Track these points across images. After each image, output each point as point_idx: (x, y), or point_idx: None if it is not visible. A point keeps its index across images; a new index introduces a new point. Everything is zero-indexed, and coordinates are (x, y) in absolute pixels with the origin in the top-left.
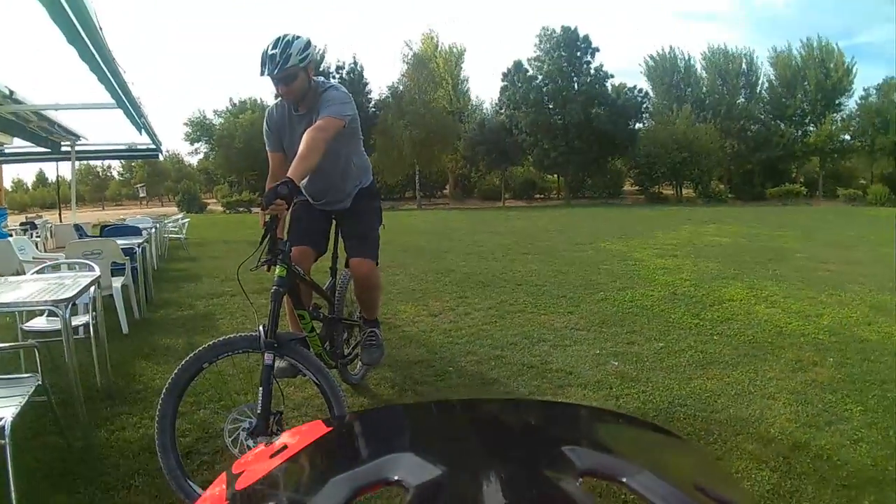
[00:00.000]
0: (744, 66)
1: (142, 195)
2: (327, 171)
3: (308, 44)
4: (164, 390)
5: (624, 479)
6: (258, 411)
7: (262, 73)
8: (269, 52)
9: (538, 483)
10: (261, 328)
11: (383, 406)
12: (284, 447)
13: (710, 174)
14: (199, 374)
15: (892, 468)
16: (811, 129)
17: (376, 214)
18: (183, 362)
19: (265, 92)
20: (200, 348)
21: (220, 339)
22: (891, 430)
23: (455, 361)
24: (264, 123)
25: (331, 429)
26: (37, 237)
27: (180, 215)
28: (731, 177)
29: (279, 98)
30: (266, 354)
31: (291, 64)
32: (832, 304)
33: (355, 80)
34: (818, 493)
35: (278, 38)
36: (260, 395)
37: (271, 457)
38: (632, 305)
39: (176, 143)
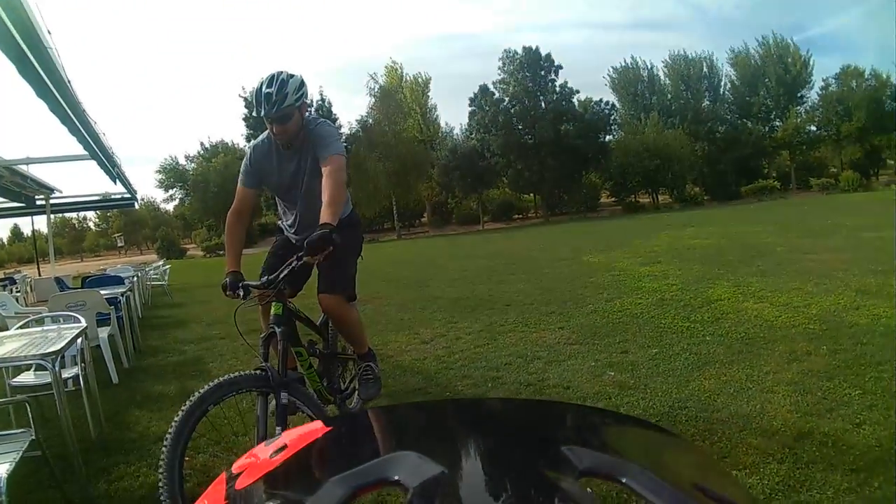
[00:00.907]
0: (705, 69)
1: (120, 244)
2: (315, 206)
3: (302, 83)
4: (168, 437)
5: (624, 480)
6: None
7: (259, 113)
8: (265, 91)
9: (538, 483)
10: (268, 367)
11: (383, 406)
12: (284, 447)
13: (684, 178)
14: (203, 416)
15: None
16: (777, 124)
17: (352, 247)
18: (187, 406)
19: (235, 134)
20: (203, 390)
21: (223, 379)
22: (891, 409)
23: (451, 387)
24: (246, 159)
25: (330, 428)
26: (17, 292)
27: (161, 262)
28: (705, 179)
29: (266, 134)
30: (281, 395)
31: (288, 104)
32: (819, 292)
33: (324, 116)
34: (828, 479)
35: (272, 76)
36: (278, 434)
37: (271, 456)
38: (622, 315)
39: (150, 189)
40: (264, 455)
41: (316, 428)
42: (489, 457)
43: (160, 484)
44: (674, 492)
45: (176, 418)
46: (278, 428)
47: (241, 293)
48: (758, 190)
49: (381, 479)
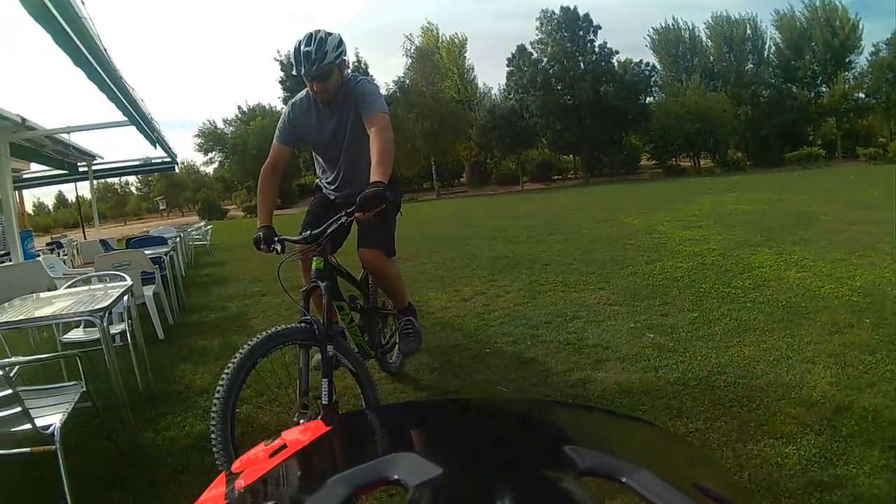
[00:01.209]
0: (748, 31)
1: (162, 207)
2: (356, 163)
3: (341, 41)
4: (220, 389)
5: (624, 479)
6: (324, 402)
7: (299, 72)
8: (304, 50)
9: (538, 483)
10: (312, 321)
11: (383, 405)
12: (284, 446)
13: (727, 143)
14: (253, 367)
15: None
16: (824, 89)
17: (393, 204)
18: (237, 358)
19: (272, 97)
20: (252, 343)
21: (271, 331)
22: None
23: (491, 343)
24: (284, 117)
25: (330, 428)
26: (63, 255)
27: (203, 223)
28: (748, 144)
29: (305, 92)
30: (328, 346)
31: (328, 61)
32: (863, 264)
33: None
34: (865, 454)
35: (310, 35)
36: (324, 386)
37: (270, 456)
38: (662, 278)
39: (189, 153)
40: (264, 455)
41: (316, 428)
42: (489, 457)
43: (212, 434)
44: (674, 492)
45: (227, 370)
46: (324, 380)
47: (279, 248)
48: (802, 157)
49: (381, 478)
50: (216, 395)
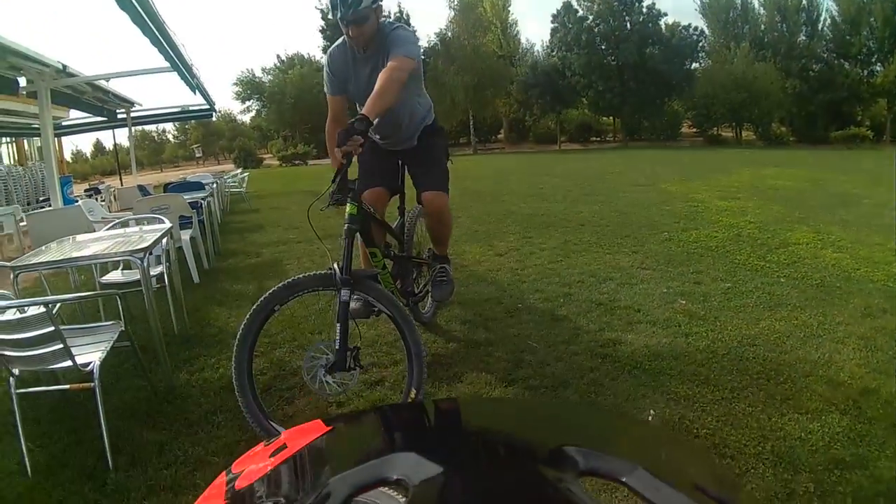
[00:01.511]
0: (804, 1)
1: (198, 155)
2: (396, 112)
3: None
4: (238, 333)
5: (624, 479)
6: (336, 347)
7: (335, 16)
8: None
9: (538, 483)
10: (335, 266)
11: (383, 405)
12: (284, 446)
13: (771, 116)
14: (272, 315)
15: None
16: (878, 68)
17: (443, 150)
18: (256, 304)
19: (312, 46)
20: (272, 289)
21: (291, 279)
22: None
23: (524, 299)
24: (325, 67)
25: (330, 428)
26: (101, 202)
27: (239, 170)
28: (794, 119)
29: (341, 39)
30: (342, 291)
31: (364, 5)
32: None
33: None
34: (888, 438)
35: None
36: (337, 331)
37: (271, 456)
38: (696, 246)
39: (227, 102)
40: (264, 455)
41: (316, 428)
42: (489, 456)
43: (233, 374)
44: (674, 492)
45: (245, 317)
46: (337, 324)
47: (330, 199)
48: (848, 137)
49: (382, 478)
50: (234, 345)
